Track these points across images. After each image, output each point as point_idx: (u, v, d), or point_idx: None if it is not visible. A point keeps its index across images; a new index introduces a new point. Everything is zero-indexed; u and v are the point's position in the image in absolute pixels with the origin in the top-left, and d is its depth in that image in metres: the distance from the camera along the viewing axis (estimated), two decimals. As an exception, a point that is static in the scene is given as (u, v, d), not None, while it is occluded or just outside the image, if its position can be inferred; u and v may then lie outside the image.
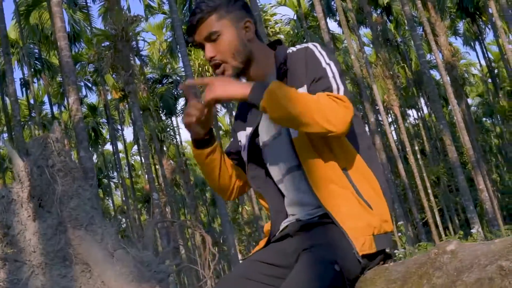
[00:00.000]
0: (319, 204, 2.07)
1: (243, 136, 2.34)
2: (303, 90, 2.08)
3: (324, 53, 2.14)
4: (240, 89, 1.95)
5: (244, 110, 2.37)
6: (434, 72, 46.03)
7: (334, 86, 2.05)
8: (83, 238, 7.18)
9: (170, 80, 40.92)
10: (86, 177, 9.48)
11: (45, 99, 43.33)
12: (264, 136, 2.26)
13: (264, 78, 2.22)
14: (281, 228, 2.21)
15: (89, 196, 7.42)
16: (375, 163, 2.15)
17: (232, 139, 2.48)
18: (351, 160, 2.10)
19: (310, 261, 1.85)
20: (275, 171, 2.22)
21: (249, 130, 2.30)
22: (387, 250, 2.08)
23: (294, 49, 2.21)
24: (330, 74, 2.07)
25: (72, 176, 7.40)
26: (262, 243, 2.27)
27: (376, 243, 2.01)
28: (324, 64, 2.10)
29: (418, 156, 40.66)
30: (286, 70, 2.15)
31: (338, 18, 37.05)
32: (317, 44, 2.18)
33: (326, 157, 2.07)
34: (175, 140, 42.14)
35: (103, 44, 27.84)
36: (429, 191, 37.17)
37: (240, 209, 45.16)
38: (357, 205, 2.04)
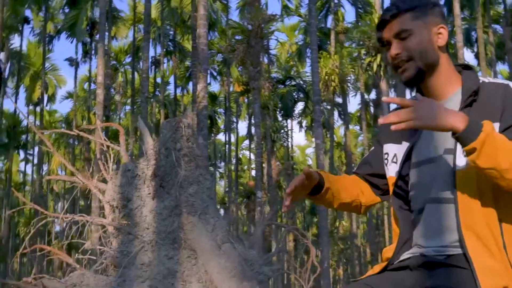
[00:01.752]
0: (452, 244, 1.96)
1: (392, 149, 2.23)
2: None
3: None
4: (452, 120, 1.81)
5: None
6: None
7: None
8: (195, 225, 7.29)
9: (293, 82, 41.12)
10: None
11: (171, 80, 44.81)
12: (419, 155, 2.12)
13: (443, 95, 2.10)
14: (401, 258, 2.10)
15: (208, 185, 7.54)
16: None
17: (372, 148, 2.38)
18: (510, 215, 1.96)
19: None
20: (418, 196, 2.10)
21: (405, 144, 2.18)
22: None
23: (486, 80, 2.08)
24: None
25: (195, 163, 7.54)
26: (377, 268, 2.17)
27: None
28: None
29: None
30: (472, 101, 2.03)
31: (476, 50, 35.94)
32: None
33: (487, 201, 1.94)
34: (286, 142, 42.36)
35: (236, 37, 28.32)
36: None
37: (337, 223, 44.74)
38: (500, 261, 1.90)
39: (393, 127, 1.81)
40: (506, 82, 2.05)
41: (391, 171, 2.22)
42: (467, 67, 2.17)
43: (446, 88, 2.11)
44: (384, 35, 2.12)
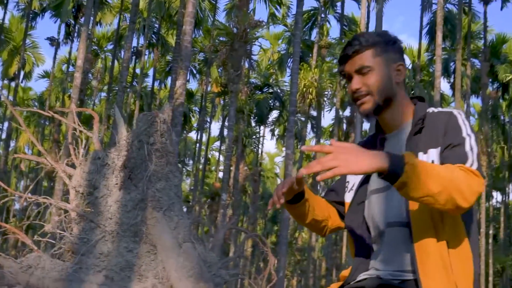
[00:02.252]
0: (406, 268, 2.03)
1: (352, 178, 2.34)
2: (436, 151, 2.06)
3: (467, 123, 2.11)
4: (375, 161, 1.81)
5: None
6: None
7: (470, 161, 2.00)
8: (158, 220, 7.30)
9: (271, 90, 41.24)
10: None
11: (150, 72, 44.58)
12: (376, 183, 2.21)
13: (398, 126, 2.22)
14: (358, 278, 2.17)
15: (176, 183, 7.55)
16: (475, 249, 2.09)
17: (339, 177, 2.45)
18: (457, 239, 2.05)
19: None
20: (375, 222, 2.18)
21: None
22: None
23: (435, 110, 2.19)
24: (468, 146, 2.03)
25: (166, 159, 7.55)
26: (334, 286, 2.24)
27: None
28: (464, 134, 2.06)
29: (490, 240, 39.28)
30: (421, 128, 2.13)
31: (452, 81, 36.43)
32: (462, 113, 2.15)
33: (437, 225, 2.02)
34: (257, 148, 42.42)
35: (220, 38, 28.29)
36: (490, 278, 35.87)
37: (297, 234, 44.89)
38: (447, 285, 1.98)
39: (318, 178, 1.82)
40: (450, 110, 2.18)
41: (348, 197, 2.33)
42: (421, 99, 2.30)
43: (400, 119, 2.22)
44: (346, 69, 2.21)
